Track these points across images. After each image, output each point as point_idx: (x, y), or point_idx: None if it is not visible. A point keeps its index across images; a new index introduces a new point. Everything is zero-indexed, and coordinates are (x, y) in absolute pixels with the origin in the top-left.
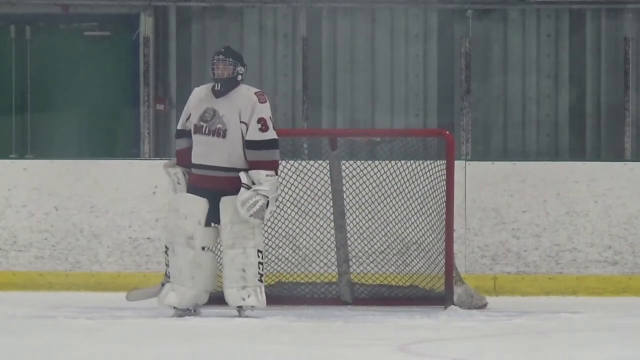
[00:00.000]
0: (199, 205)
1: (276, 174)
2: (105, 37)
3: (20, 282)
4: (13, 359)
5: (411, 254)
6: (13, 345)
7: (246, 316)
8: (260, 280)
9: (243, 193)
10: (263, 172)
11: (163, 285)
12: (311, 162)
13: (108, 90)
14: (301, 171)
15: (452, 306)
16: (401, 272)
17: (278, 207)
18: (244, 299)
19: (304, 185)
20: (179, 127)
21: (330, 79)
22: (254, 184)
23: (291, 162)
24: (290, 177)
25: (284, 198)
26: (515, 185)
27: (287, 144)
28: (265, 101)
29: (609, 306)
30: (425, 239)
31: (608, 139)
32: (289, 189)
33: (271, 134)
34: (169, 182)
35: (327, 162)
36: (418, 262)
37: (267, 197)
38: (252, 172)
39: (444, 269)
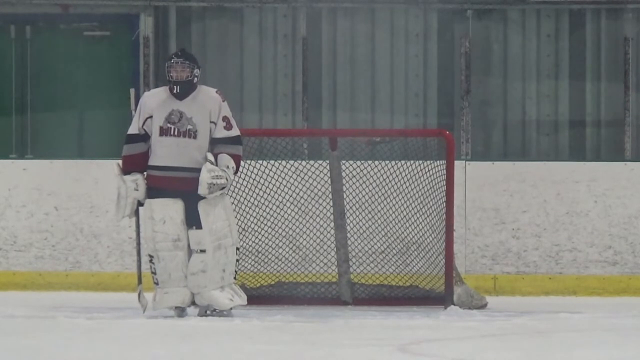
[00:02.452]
0: (177, 207)
1: (237, 170)
2: (105, 37)
3: (20, 282)
4: (13, 359)
5: (411, 254)
6: (13, 345)
7: (225, 316)
8: (235, 278)
9: (211, 165)
10: (232, 162)
11: (140, 292)
12: (311, 162)
13: (108, 90)
14: (301, 171)
15: (452, 306)
16: (401, 272)
17: (278, 207)
18: (231, 300)
19: (304, 185)
20: (132, 132)
21: (330, 79)
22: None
23: (291, 162)
24: (290, 177)
25: (284, 198)
26: (515, 185)
27: (287, 144)
28: (225, 100)
29: (609, 306)
30: (425, 239)
31: (608, 139)
32: (289, 189)
33: (235, 132)
34: (123, 189)
35: (327, 162)
36: (418, 262)
37: (227, 183)
38: (222, 156)
39: (444, 269)
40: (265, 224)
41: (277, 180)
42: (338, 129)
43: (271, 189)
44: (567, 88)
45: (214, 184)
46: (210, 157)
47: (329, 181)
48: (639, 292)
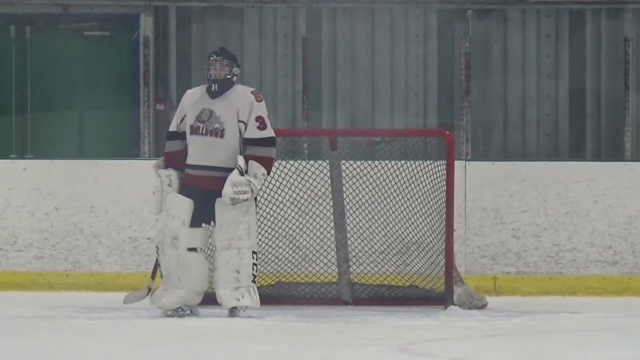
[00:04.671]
0: (184, 205)
1: (269, 173)
2: (105, 37)
3: (20, 282)
4: (13, 359)
5: (411, 254)
6: (13, 345)
7: (238, 316)
8: (253, 281)
9: (237, 175)
10: (262, 170)
11: (149, 288)
12: (311, 162)
13: (108, 90)
14: (301, 171)
15: (452, 306)
16: (401, 272)
17: (278, 207)
18: (238, 300)
19: (304, 185)
20: (171, 129)
21: (330, 79)
22: (246, 172)
23: (291, 162)
24: (290, 177)
25: (284, 198)
26: (515, 185)
27: (287, 144)
28: (262, 100)
29: (609, 306)
30: (425, 239)
31: (608, 139)
32: (289, 189)
33: (269, 132)
34: (158, 183)
35: (327, 162)
36: (418, 262)
37: (252, 195)
38: (252, 163)
39: (444, 269)
40: (265, 224)
41: (277, 180)
42: (338, 129)
43: (271, 189)
44: (567, 88)
45: (237, 199)
46: (241, 161)
47: (329, 181)
48: (639, 292)
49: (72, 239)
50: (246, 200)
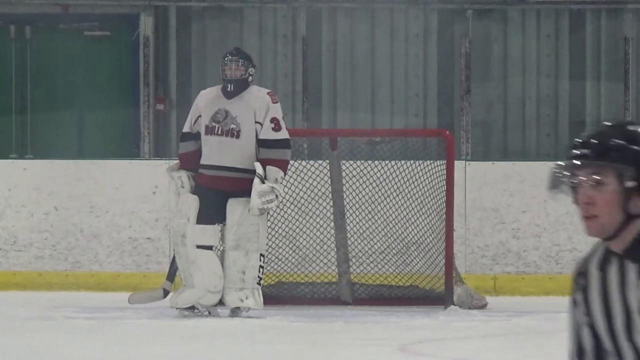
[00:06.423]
0: (189, 203)
1: (285, 174)
2: (105, 37)
3: (20, 282)
4: (13, 359)
5: (411, 254)
6: (13, 345)
7: (239, 317)
8: (259, 284)
9: (261, 184)
10: (280, 173)
11: (164, 290)
12: (311, 162)
13: (108, 90)
14: (301, 171)
15: (452, 306)
16: (401, 272)
17: (278, 207)
18: (241, 300)
19: (304, 185)
20: (185, 130)
21: (330, 79)
22: (265, 178)
23: (291, 162)
24: (290, 177)
25: (284, 198)
26: (515, 185)
27: None
28: (277, 101)
29: None
30: (425, 239)
31: None
32: (289, 189)
33: (283, 134)
34: (172, 185)
35: (327, 162)
36: (418, 262)
37: (279, 199)
38: (271, 169)
39: (444, 269)
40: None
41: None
42: (338, 129)
43: None
44: (567, 88)
45: (265, 209)
46: (259, 169)
47: (329, 181)
48: None
49: (72, 239)
50: (273, 207)
